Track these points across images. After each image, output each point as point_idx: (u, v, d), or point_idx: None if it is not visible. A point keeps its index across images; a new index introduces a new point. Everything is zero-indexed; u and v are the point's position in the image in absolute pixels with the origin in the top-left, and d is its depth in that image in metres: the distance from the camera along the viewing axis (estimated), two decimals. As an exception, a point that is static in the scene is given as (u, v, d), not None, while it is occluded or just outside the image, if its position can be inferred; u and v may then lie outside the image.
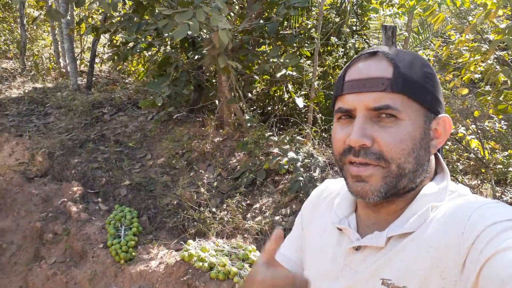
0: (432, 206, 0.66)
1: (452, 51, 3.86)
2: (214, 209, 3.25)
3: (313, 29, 4.47)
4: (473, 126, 3.65)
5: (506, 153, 3.79)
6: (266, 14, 4.60)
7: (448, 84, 3.89)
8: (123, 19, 4.20)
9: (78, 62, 7.15)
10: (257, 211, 3.36)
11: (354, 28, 5.11)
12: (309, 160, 3.62)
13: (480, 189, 3.56)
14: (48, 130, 4.76)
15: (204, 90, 5.04)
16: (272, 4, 4.32)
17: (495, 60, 3.77)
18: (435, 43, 5.69)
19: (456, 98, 4.30)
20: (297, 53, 4.62)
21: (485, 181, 3.65)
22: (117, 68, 7.41)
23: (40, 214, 3.37)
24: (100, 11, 7.22)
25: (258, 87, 5.18)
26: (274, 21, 4.31)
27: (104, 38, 7.59)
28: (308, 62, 4.37)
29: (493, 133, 3.86)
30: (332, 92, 4.51)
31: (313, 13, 5.25)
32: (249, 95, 4.77)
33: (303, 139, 4.02)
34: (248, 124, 4.13)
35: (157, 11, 4.14)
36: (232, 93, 4.33)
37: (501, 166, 3.64)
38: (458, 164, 3.81)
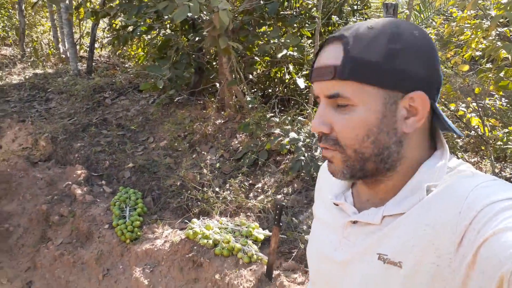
0: (428, 186, 0.66)
1: (454, 29, 3.84)
2: (217, 189, 3.29)
3: (314, 9, 4.43)
4: (474, 104, 3.65)
5: (506, 130, 3.80)
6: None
7: (449, 62, 3.88)
8: (123, 2, 4.17)
9: (77, 47, 7.12)
10: (259, 190, 3.39)
11: (355, 7, 5.07)
12: (310, 140, 3.64)
13: (480, 166, 3.58)
14: (50, 115, 4.78)
15: (204, 73, 5.03)
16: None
17: (496, 37, 3.75)
18: (437, 21, 5.65)
19: (458, 76, 4.29)
20: (298, 34, 4.59)
21: (485, 158, 3.67)
22: (117, 53, 7.39)
23: (46, 197, 3.42)
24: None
25: (258, 69, 5.17)
26: (274, 1, 4.28)
27: (103, 23, 7.55)
28: (309, 41, 4.35)
29: (494, 110, 3.87)
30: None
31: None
32: (250, 76, 4.76)
33: (304, 119, 4.03)
34: (250, 106, 4.13)
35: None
36: (233, 75, 4.33)
37: (500, 143, 3.65)
38: (458, 141, 3.83)
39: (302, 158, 3.39)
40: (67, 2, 6.15)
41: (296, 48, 4.33)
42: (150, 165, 3.77)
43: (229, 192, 3.32)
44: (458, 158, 0.73)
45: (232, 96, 4.51)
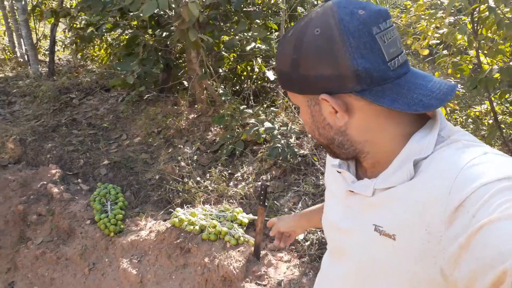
0: (415, 161, 0.67)
1: (411, 19, 4.08)
2: (198, 178, 3.33)
3: (279, 1, 4.55)
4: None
5: (464, 113, 4.08)
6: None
7: (410, 48, 4.11)
8: (88, -2, 4.12)
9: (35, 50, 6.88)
10: (239, 179, 3.47)
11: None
12: (284, 128, 3.76)
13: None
14: (15, 118, 4.62)
15: (172, 70, 5.04)
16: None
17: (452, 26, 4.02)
18: (393, 13, 5.94)
19: (419, 62, 4.55)
20: (264, 27, 4.70)
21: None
22: (78, 55, 7.21)
23: (20, 198, 3.33)
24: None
25: (227, 64, 5.24)
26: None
27: (62, 24, 7.34)
28: (276, 34, 4.47)
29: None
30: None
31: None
32: (220, 70, 4.82)
33: (277, 109, 4.15)
34: (223, 98, 4.20)
35: (122, -12, 4.09)
36: (203, 70, 4.37)
37: (459, 126, 3.92)
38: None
39: (279, 145, 3.49)
40: (23, 2, 5.95)
41: (263, 41, 4.43)
42: (126, 161, 3.76)
43: (209, 182, 3.37)
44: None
45: (203, 91, 4.55)
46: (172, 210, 3.03)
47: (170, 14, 4.59)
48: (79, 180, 3.59)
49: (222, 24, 4.70)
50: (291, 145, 3.56)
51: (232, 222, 2.77)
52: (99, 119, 4.47)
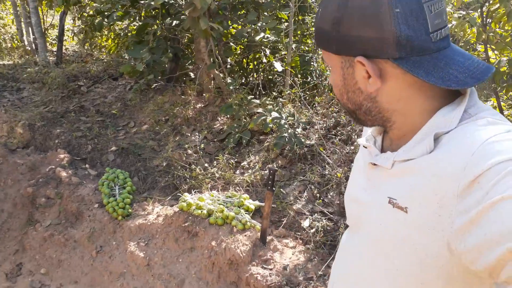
0: (436, 134, 0.67)
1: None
2: (206, 165, 3.35)
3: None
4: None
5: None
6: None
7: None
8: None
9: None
10: (245, 167, 3.49)
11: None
12: (292, 118, 3.77)
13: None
14: (24, 104, 4.66)
15: (180, 59, 5.06)
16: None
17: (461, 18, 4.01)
18: None
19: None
20: (274, 17, 4.70)
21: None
22: (85, 45, 7.24)
23: (29, 181, 3.36)
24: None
25: (235, 54, 5.24)
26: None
27: (70, 13, 7.37)
28: (286, 24, 4.47)
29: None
30: (306, 56, 4.63)
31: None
32: (228, 60, 4.83)
33: (284, 100, 4.16)
34: (231, 88, 4.21)
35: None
36: (211, 59, 4.38)
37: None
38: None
39: (286, 135, 3.51)
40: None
41: (273, 32, 4.44)
42: (134, 148, 3.78)
43: (216, 169, 3.39)
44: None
45: (210, 81, 4.56)
46: (179, 195, 3.05)
47: (181, 3, 4.61)
48: (87, 165, 3.62)
49: (232, 14, 4.71)
50: (298, 135, 3.57)
51: (239, 208, 2.79)
52: (107, 107, 4.50)
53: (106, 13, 4.78)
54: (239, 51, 5.25)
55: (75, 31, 7.08)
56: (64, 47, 7.37)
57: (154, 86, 4.79)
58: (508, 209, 0.54)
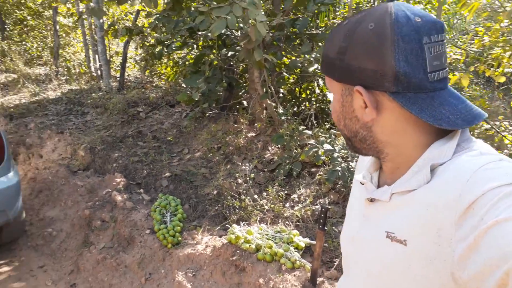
0: (432, 165, 0.68)
1: (486, 43, 3.88)
2: (255, 196, 3.33)
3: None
4: (506, 122, 3.65)
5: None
6: (294, 11, 4.70)
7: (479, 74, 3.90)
8: (161, 16, 4.35)
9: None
10: (295, 200, 3.42)
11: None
12: (345, 151, 3.68)
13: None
14: (87, 128, 4.94)
15: (234, 88, 5.16)
16: (302, 1, 4.42)
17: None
18: (462, 40, 5.70)
19: (492, 90, 4.30)
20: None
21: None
22: (145, 72, 7.63)
23: (86, 203, 3.51)
24: (131, 12, 7.45)
25: (288, 84, 5.27)
26: (304, 17, 4.40)
27: (134, 42, 7.82)
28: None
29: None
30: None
31: (338, 13, 5.34)
32: (281, 91, 4.85)
33: (337, 131, 4.08)
34: (283, 118, 4.21)
35: (192, 8, 4.29)
36: (264, 89, 4.43)
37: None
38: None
39: (339, 168, 3.42)
40: (101, 21, 6.43)
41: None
42: (187, 175, 3.85)
43: (266, 201, 3.36)
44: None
45: (263, 110, 4.60)
46: (228, 226, 3.04)
47: (236, 34, 4.74)
48: (142, 190, 3.73)
49: (286, 45, 4.76)
50: (352, 169, 3.46)
51: (288, 245, 2.72)
52: (163, 133, 4.65)
53: (166, 43, 5.02)
54: (292, 80, 5.28)
55: (137, 59, 7.47)
56: (126, 73, 7.82)
57: (208, 114, 4.90)
58: (503, 232, 0.55)
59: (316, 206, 3.29)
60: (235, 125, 4.65)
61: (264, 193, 3.49)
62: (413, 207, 0.69)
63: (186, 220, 3.31)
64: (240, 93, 5.26)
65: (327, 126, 4.18)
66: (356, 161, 3.65)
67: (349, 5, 4.42)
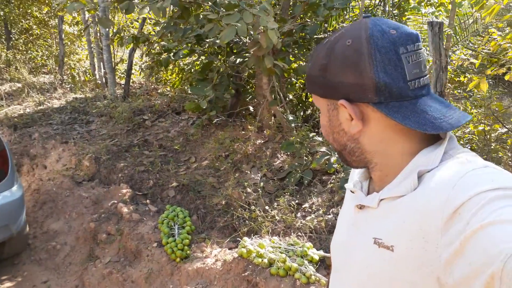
0: (419, 172, 0.69)
1: (502, 46, 3.76)
2: (266, 207, 3.21)
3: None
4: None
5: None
6: (302, 16, 4.61)
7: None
8: (168, 24, 4.27)
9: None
10: (307, 210, 3.30)
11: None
12: (358, 159, 3.55)
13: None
14: (92, 137, 4.85)
15: (241, 95, 5.06)
16: (312, 6, 4.32)
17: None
18: (474, 42, 5.57)
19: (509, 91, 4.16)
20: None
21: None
22: (150, 79, 7.55)
23: (92, 215, 3.40)
24: (137, 20, 7.40)
25: (296, 90, 5.16)
26: (314, 23, 4.30)
27: (139, 50, 7.76)
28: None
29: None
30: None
31: (347, 16, 5.24)
32: (290, 96, 4.74)
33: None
34: (292, 125, 4.09)
35: (201, 16, 4.20)
36: (273, 95, 4.32)
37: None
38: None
39: (352, 176, 3.29)
40: (107, 29, 6.37)
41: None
42: (194, 184, 3.74)
43: (277, 211, 3.24)
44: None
45: (271, 117, 4.49)
46: (238, 238, 2.92)
47: (245, 41, 4.64)
48: (148, 200, 3.62)
49: (295, 50, 4.66)
50: (365, 177, 3.33)
51: (302, 258, 2.59)
52: (169, 141, 4.55)
53: (173, 51, 4.93)
54: (299, 86, 5.17)
55: (142, 67, 7.41)
56: (131, 81, 7.75)
57: (215, 121, 4.80)
58: (488, 236, 0.55)
59: (329, 216, 3.16)
60: (243, 132, 4.54)
61: (275, 203, 3.36)
62: (401, 213, 0.70)
63: (194, 232, 3.19)
64: (247, 99, 5.16)
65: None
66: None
67: (360, 8, 4.31)
